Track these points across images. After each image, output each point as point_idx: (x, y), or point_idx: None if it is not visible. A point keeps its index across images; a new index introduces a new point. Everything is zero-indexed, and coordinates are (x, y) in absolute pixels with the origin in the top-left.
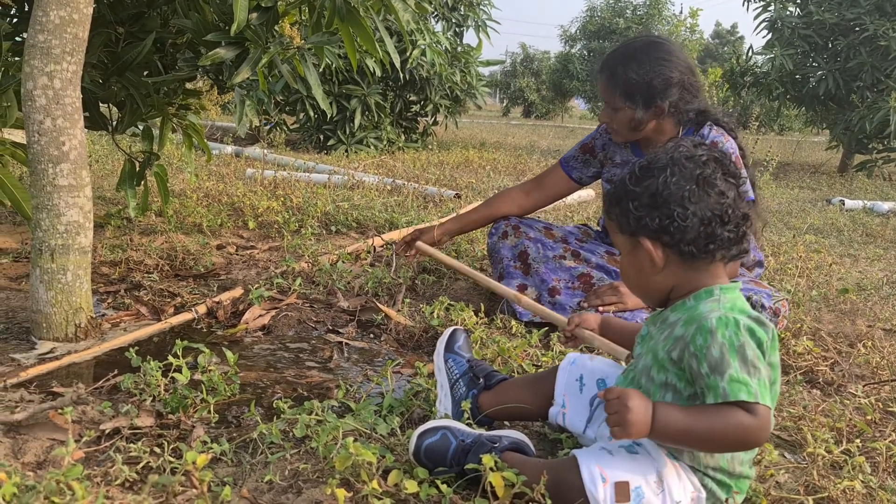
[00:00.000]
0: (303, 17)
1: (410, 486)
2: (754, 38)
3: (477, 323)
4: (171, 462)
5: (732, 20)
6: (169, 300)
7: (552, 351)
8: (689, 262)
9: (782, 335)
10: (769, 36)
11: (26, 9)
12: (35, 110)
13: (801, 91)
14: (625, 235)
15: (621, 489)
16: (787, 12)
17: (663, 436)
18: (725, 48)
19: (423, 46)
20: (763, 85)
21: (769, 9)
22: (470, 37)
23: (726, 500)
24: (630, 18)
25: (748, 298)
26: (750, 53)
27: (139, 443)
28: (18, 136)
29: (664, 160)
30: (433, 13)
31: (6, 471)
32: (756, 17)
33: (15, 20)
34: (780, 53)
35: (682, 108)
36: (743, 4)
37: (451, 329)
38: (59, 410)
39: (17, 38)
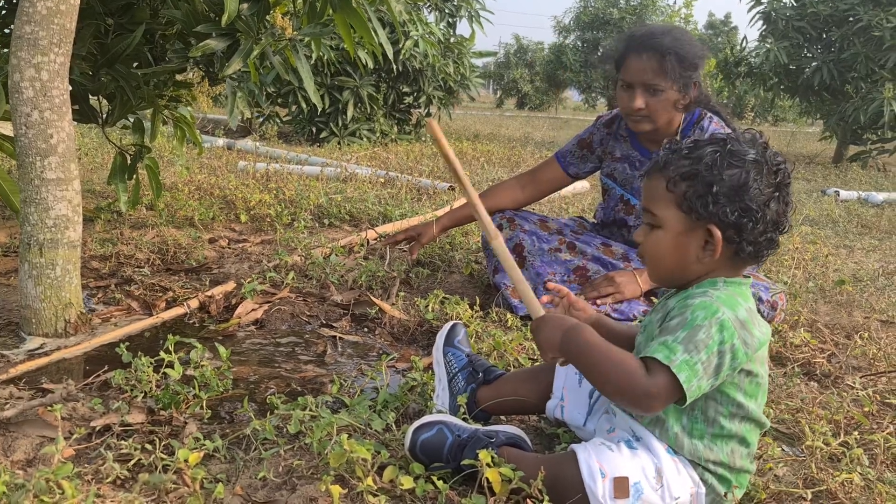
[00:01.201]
0: (295, 7)
1: (406, 483)
2: (748, 28)
3: (472, 316)
4: (162, 459)
5: (726, 10)
6: (160, 295)
7: None
8: (734, 259)
9: (780, 327)
10: (763, 27)
11: (14, 0)
12: (22, 102)
13: (796, 82)
14: (686, 214)
15: (620, 484)
16: (781, 3)
17: (568, 349)
18: (719, 38)
19: (415, 37)
20: (757, 75)
21: (763, 1)
22: (463, 27)
23: (725, 494)
24: (624, 9)
25: None
26: (744, 44)
27: (130, 440)
28: (6, 128)
29: (752, 155)
30: (426, 4)
31: None
32: (750, 10)
33: (3, 11)
34: (775, 46)
35: (702, 93)
36: None
37: (451, 323)
38: (49, 407)
39: (4, 30)
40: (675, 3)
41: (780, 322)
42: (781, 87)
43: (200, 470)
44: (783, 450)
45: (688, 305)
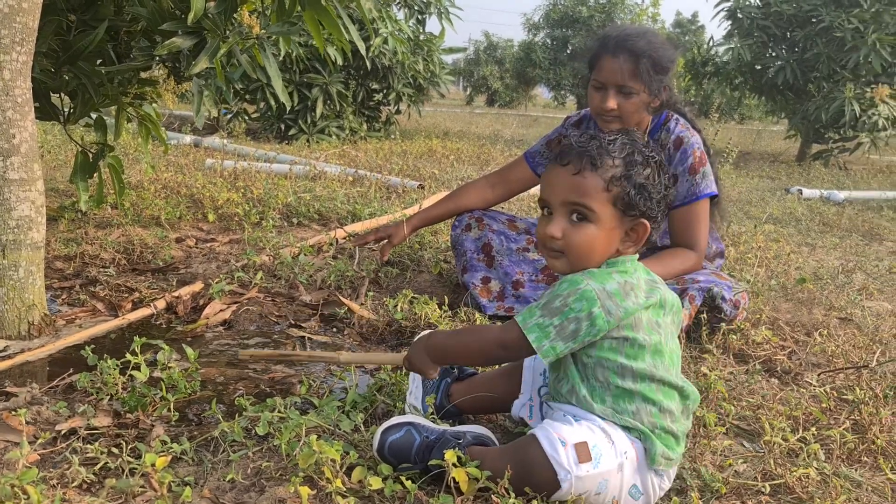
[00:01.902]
0: (263, 4)
1: (375, 483)
2: (716, 28)
3: (441, 316)
4: (129, 462)
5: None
6: (126, 295)
7: None
8: (636, 245)
9: (742, 326)
10: (729, 26)
11: None
12: None
13: (761, 81)
14: (619, 211)
15: (582, 449)
16: (747, 2)
17: (436, 356)
18: (687, 37)
19: (385, 35)
20: (723, 74)
21: None
22: (433, 24)
23: (649, 449)
24: (593, 7)
25: (709, 290)
26: (710, 43)
27: (97, 443)
28: None
29: (657, 158)
30: (395, 1)
31: None
32: (717, 5)
33: None
34: (740, 43)
35: (671, 96)
36: None
37: (428, 331)
38: (14, 411)
39: None
40: (642, 1)
41: (743, 320)
42: (747, 86)
43: (167, 474)
44: (743, 445)
45: (563, 280)
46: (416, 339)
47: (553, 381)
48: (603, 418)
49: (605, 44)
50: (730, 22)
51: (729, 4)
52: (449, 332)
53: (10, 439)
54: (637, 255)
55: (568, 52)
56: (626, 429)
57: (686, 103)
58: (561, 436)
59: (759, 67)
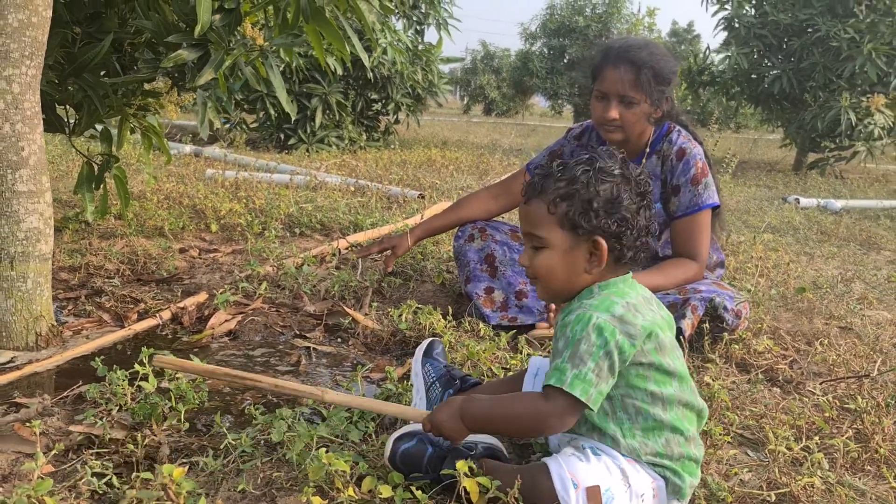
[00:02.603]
0: (267, 17)
1: (385, 491)
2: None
3: (446, 326)
4: (142, 474)
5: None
6: (132, 306)
7: (521, 354)
8: (616, 265)
9: (743, 335)
10: (726, 35)
11: None
12: None
13: (757, 90)
14: (569, 232)
15: (593, 493)
16: (744, 11)
17: (475, 426)
18: (683, 47)
19: (384, 45)
20: (720, 84)
21: (726, 7)
22: (430, 34)
23: (680, 484)
24: (590, 17)
25: (711, 300)
26: (707, 52)
27: (109, 454)
28: None
29: (618, 170)
30: (395, 12)
31: None
32: (714, 14)
33: None
34: (736, 52)
35: (673, 107)
36: (701, 4)
37: (429, 339)
38: (28, 423)
39: None
40: (639, 11)
41: (744, 330)
42: (744, 95)
43: (185, 484)
44: (748, 454)
45: (567, 324)
46: (444, 406)
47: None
48: (625, 456)
49: (608, 54)
50: (726, 31)
51: (726, 14)
52: (488, 398)
53: (23, 450)
54: (630, 273)
55: (565, 61)
56: (653, 465)
57: (682, 112)
58: (574, 477)
59: (755, 76)
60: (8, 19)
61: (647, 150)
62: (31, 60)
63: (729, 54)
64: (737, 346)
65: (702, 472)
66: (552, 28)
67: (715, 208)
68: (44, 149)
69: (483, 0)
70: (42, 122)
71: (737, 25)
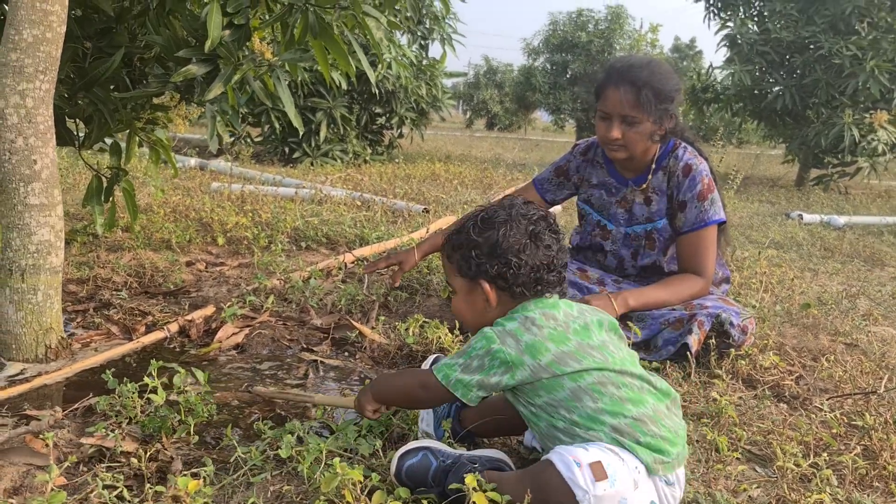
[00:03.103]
0: (275, 33)
1: None
2: (714, 54)
3: (453, 341)
4: (153, 487)
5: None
6: (140, 319)
7: None
8: (514, 298)
9: (749, 351)
10: (729, 52)
11: None
12: (6, 129)
13: (760, 106)
14: (464, 278)
15: (597, 468)
16: (746, 28)
17: (378, 398)
18: (685, 62)
19: (388, 59)
20: (723, 100)
21: (728, 24)
22: (434, 49)
23: (648, 459)
24: (592, 32)
25: (717, 316)
26: (710, 69)
27: (119, 467)
28: None
29: (503, 216)
30: (402, 28)
31: None
32: (717, 32)
33: None
34: (739, 69)
35: (678, 124)
36: (704, 21)
37: (435, 355)
38: (40, 435)
39: None
40: (641, 27)
41: (750, 346)
42: (747, 111)
43: (199, 497)
44: (756, 470)
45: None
46: (361, 393)
47: (541, 440)
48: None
49: (610, 74)
50: (729, 48)
51: (729, 31)
52: (386, 376)
53: (34, 462)
54: (556, 297)
55: (567, 76)
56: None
57: (687, 129)
58: (576, 457)
59: (757, 93)
60: (23, 34)
61: (653, 166)
62: (45, 75)
63: (732, 71)
64: (743, 362)
65: (710, 487)
66: (555, 43)
67: (721, 224)
68: (56, 162)
69: (486, 15)
70: (54, 136)
71: (740, 42)
